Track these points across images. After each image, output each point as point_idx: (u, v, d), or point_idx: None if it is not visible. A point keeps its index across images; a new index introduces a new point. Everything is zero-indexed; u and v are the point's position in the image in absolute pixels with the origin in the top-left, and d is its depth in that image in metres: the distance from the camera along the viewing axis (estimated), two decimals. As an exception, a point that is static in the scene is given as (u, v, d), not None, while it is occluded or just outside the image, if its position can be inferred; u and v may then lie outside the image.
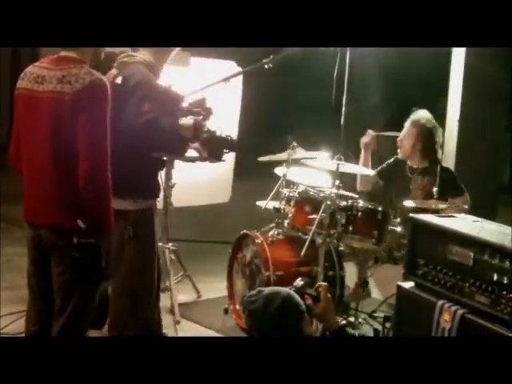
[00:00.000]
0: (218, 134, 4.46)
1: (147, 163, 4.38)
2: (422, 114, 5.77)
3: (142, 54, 4.36)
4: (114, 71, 4.40)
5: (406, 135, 5.76)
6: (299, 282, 3.25)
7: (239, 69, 6.56)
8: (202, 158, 4.55)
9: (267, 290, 3.03)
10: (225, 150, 4.49)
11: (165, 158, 4.58)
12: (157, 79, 4.38)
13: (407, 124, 5.78)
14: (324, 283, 3.31)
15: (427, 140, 5.72)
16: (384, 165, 6.05)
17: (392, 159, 6.01)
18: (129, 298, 4.38)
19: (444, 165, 5.98)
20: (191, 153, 4.60)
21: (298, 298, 3.03)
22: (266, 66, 4.61)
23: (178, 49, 4.50)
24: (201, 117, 4.38)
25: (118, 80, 4.27)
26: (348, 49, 6.45)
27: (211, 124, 4.47)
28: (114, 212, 4.21)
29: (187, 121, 4.30)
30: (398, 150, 5.86)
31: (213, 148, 4.46)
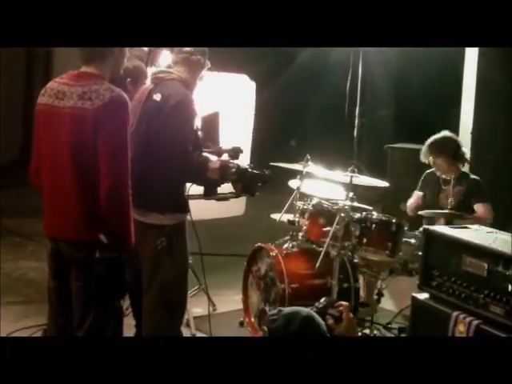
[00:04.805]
0: (249, 170, 4.50)
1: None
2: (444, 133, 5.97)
3: (177, 71, 4.42)
4: (148, 85, 4.46)
5: (435, 157, 5.87)
6: (322, 301, 3.23)
7: (252, 82, 6.60)
8: (236, 195, 4.59)
9: (288, 309, 3.00)
10: (258, 184, 4.56)
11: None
12: (192, 95, 4.43)
13: (428, 149, 5.88)
14: (345, 303, 3.28)
15: (454, 149, 5.87)
16: (420, 183, 6.13)
17: (425, 173, 6.10)
18: (165, 310, 4.42)
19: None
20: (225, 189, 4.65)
21: (318, 318, 2.98)
22: None
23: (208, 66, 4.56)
24: (228, 157, 4.46)
25: (157, 97, 4.32)
26: (360, 62, 6.49)
27: (240, 160, 4.54)
28: (148, 226, 4.28)
29: (214, 163, 4.36)
30: (435, 168, 5.92)
31: (246, 185, 4.50)
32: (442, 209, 5.66)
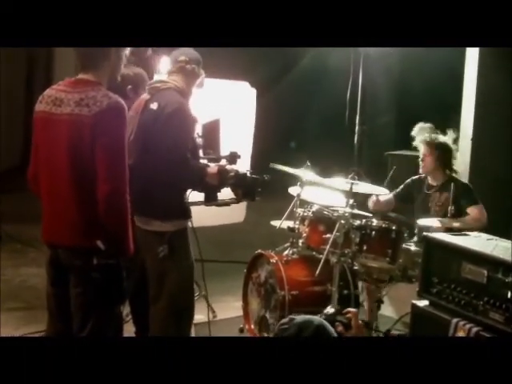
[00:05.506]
0: (248, 175, 4.56)
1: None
2: (439, 135, 5.96)
3: (173, 80, 4.47)
4: (145, 96, 4.52)
5: (426, 153, 5.88)
6: (329, 309, 3.24)
7: (253, 89, 6.61)
8: (236, 200, 4.63)
9: (299, 317, 2.97)
10: (258, 189, 4.60)
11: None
12: (188, 104, 4.48)
13: (425, 141, 5.87)
14: (353, 309, 3.28)
15: (447, 156, 5.90)
16: (401, 186, 6.14)
17: (410, 180, 6.10)
18: (174, 317, 4.46)
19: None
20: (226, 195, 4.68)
21: (330, 326, 2.98)
22: None
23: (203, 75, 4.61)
24: (226, 163, 4.50)
25: (154, 106, 4.38)
26: (361, 68, 6.49)
27: (240, 167, 4.60)
28: (150, 233, 4.30)
29: (212, 168, 4.41)
30: (420, 168, 5.93)
31: (246, 190, 4.57)
32: (431, 215, 5.66)
